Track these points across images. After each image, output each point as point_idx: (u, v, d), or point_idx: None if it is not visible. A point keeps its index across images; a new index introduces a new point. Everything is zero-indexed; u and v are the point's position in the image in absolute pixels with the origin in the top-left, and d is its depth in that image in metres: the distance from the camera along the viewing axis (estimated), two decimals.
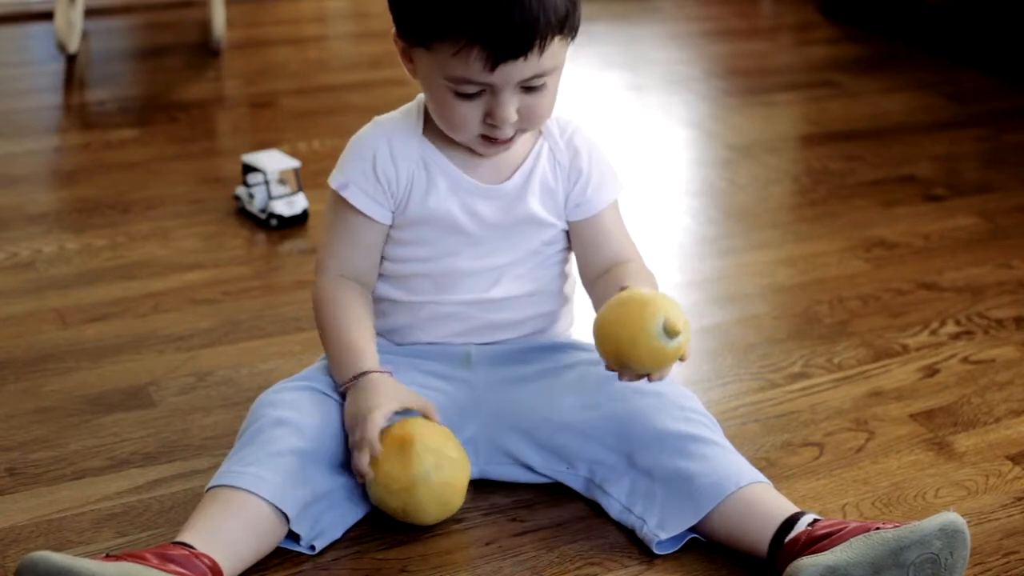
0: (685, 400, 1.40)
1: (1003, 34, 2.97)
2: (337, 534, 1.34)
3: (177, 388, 1.64)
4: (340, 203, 1.40)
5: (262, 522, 1.27)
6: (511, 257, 1.42)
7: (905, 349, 1.76)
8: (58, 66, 2.96)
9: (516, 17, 1.22)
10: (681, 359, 1.26)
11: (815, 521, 1.27)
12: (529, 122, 1.32)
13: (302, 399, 1.35)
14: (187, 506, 1.40)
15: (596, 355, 1.31)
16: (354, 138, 1.42)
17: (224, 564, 1.22)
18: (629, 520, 1.36)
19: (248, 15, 3.40)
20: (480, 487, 1.42)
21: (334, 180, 1.41)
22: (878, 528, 1.22)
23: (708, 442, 1.35)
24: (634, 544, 1.35)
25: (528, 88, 1.29)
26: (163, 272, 1.96)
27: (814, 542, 1.24)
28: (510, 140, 1.34)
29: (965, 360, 1.73)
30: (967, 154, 2.54)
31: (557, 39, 1.26)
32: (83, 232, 2.09)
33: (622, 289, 1.29)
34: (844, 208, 2.24)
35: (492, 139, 1.33)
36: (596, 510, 1.40)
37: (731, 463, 1.34)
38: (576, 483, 1.41)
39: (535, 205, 1.40)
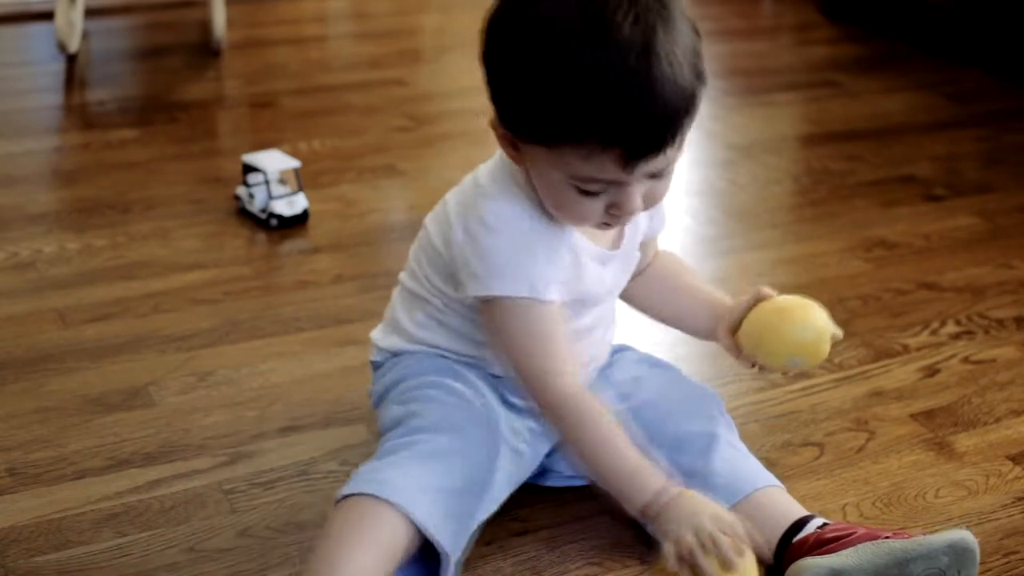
0: (710, 401, 1.41)
1: (1003, 34, 2.97)
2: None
3: (177, 388, 1.64)
4: (530, 306, 1.25)
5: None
6: (613, 301, 1.41)
7: (905, 349, 1.76)
8: (58, 66, 2.96)
9: (654, 114, 1.11)
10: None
11: (824, 524, 1.27)
12: (650, 206, 1.23)
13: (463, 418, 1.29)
14: (187, 506, 1.40)
15: (628, 354, 1.37)
16: (493, 249, 1.24)
17: None
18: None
19: (248, 15, 3.40)
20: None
21: (512, 290, 1.24)
22: (887, 537, 1.22)
23: (726, 444, 1.36)
24: (634, 544, 1.35)
25: (655, 175, 1.19)
26: (163, 272, 1.96)
27: (822, 544, 1.24)
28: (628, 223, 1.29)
29: (965, 360, 1.73)
30: (967, 154, 2.54)
31: (691, 121, 1.17)
32: (83, 232, 2.09)
33: (762, 297, 1.34)
34: (844, 208, 2.24)
35: (609, 225, 1.25)
36: (596, 510, 1.40)
37: (749, 466, 1.35)
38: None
39: (637, 252, 1.39)
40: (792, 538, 1.27)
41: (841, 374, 1.70)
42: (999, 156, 2.53)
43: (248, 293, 1.90)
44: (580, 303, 1.32)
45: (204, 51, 3.08)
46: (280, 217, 2.10)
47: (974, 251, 2.08)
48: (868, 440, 1.55)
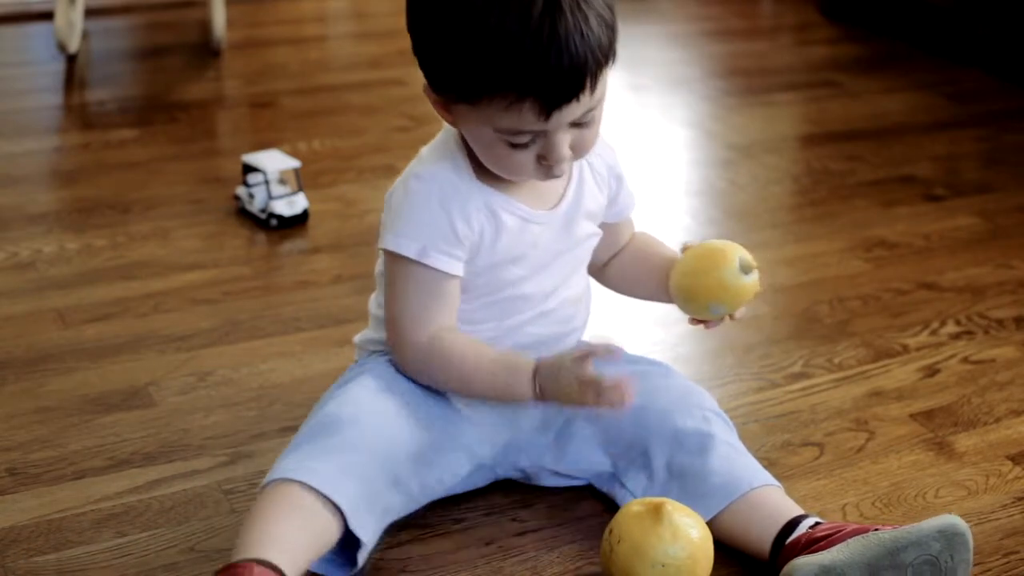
0: (703, 400, 1.42)
1: (1003, 34, 2.97)
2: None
3: (177, 388, 1.64)
4: (416, 268, 1.30)
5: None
6: (566, 272, 1.41)
7: (905, 349, 1.76)
8: (58, 66, 2.96)
9: (564, 62, 1.17)
10: (756, 294, 1.33)
11: (816, 524, 1.28)
12: (580, 153, 1.29)
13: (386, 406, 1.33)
14: (187, 506, 1.40)
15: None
16: (409, 198, 1.31)
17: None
18: None
19: (248, 15, 3.40)
20: (480, 487, 1.42)
21: (402, 247, 1.30)
22: (876, 530, 1.23)
23: (723, 442, 1.37)
24: None
25: (579, 124, 1.25)
26: (163, 272, 1.96)
27: (813, 543, 1.24)
28: (563, 171, 1.30)
29: (965, 360, 1.73)
30: (967, 154, 2.54)
31: (602, 72, 1.23)
32: (83, 232, 2.09)
33: (685, 248, 1.36)
34: (844, 208, 2.24)
35: (544, 173, 1.29)
36: (596, 510, 1.40)
37: (746, 465, 1.36)
38: (597, 478, 1.42)
39: (585, 223, 1.40)
40: (786, 539, 1.28)
41: (841, 374, 1.70)
42: (999, 156, 2.53)
43: (248, 293, 1.90)
44: (511, 263, 1.34)
45: (204, 51, 3.08)
46: (280, 217, 2.10)
47: (974, 251, 2.08)
48: (868, 440, 1.55)
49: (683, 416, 1.38)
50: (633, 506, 1.26)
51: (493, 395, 1.33)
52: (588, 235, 1.41)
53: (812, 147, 2.57)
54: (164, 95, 2.78)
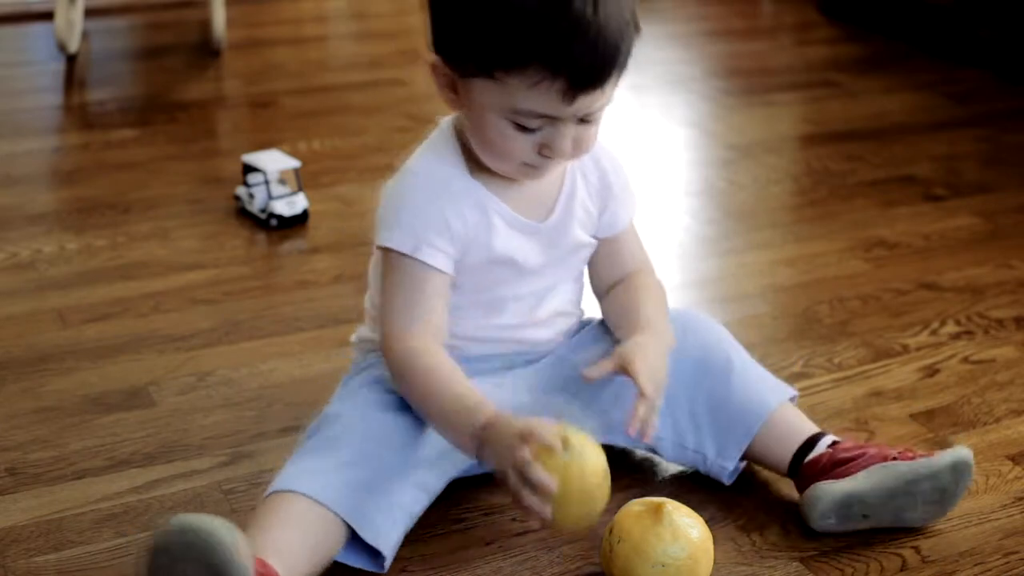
0: (714, 329, 1.48)
1: (1003, 34, 2.97)
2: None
3: (177, 388, 1.64)
4: (409, 264, 1.30)
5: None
6: (555, 280, 1.41)
7: (905, 349, 1.76)
8: (58, 66, 2.96)
9: (600, 48, 1.17)
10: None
11: (835, 443, 1.36)
12: (579, 153, 1.27)
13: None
14: (187, 506, 1.40)
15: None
16: (403, 194, 1.32)
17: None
18: (687, 457, 1.43)
19: (248, 15, 3.40)
20: (480, 487, 1.42)
21: (396, 242, 1.29)
22: (895, 458, 1.32)
23: (740, 364, 1.43)
24: None
25: (583, 119, 1.24)
26: (163, 272, 1.96)
27: (836, 465, 1.33)
28: (551, 169, 1.31)
29: (965, 360, 1.73)
30: (967, 154, 2.54)
31: (627, 65, 1.23)
32: (83, 232, 2.09)
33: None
34: (844, 208, 2.24)
35: (534, 167, 1.28)
36: None
37: (761, 385, 1.43)
38: (622, 437, 1.39)
39: (578, 232, 1.39)
40: (804, 456, 1.36)
41: (841, 374, 1.70)
42: (999, 156, 2.53)
43: (248, 293, 1.90)
44: (489, 266, 1.34)
45: (204, 51, 3.08)
46: (280, 217, 2.10)
47: (974, 251, 2.08)
48: (868, 440, 1.54)
49: (703, 338, 1.44)
50: (633, 506, 1.26)
51: (440, 427, 1.28)
52: (580, 245, 1.40)
53: (812, 147, 2.57)
54: (164, 95, 2.78)
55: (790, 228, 2.18)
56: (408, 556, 1.32)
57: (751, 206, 2.27)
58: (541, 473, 1.13)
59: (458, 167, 1.32)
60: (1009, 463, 1.50)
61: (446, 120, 1.35)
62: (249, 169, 2.15)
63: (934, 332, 1.81)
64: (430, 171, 1.32)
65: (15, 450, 1.50)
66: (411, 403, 1.31)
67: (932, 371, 1.71)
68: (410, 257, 1.29)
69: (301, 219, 2.13)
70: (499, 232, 1.33)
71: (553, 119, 1.22)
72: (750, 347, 1.74)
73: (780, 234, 2.14)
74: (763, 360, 1.71)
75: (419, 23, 3.45)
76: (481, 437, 1.20)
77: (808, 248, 2.08)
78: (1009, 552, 1.35)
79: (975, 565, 1.32)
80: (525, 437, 1.15)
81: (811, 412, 1.60)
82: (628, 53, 1.22)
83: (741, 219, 2.21)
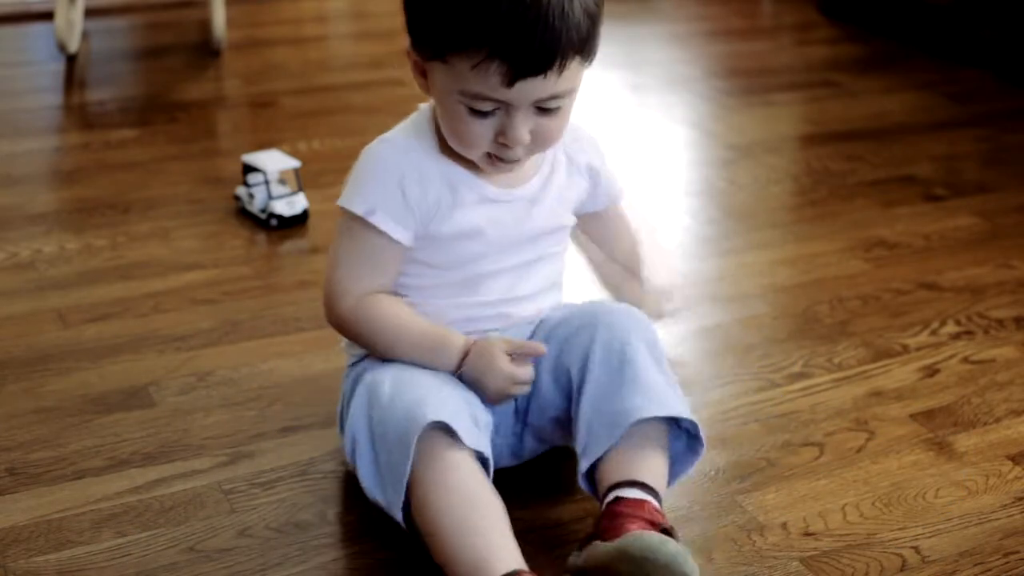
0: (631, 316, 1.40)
1: (1003, 34, 2.97)
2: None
3: (177, 388, 1.64)
4: (362, 228, 1.34)
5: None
6: (533, 256, 1.42)
7: (905, 349, 1.76)
8: (58, 66, 2.96)
9: (539, 33, 1.20)
10: None
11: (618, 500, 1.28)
12: (540, 144, 1.30)
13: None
14: (187, 506, 1.40)
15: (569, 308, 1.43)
16: (369, 160, 1.36)
17: None
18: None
19: (248, 15, 3.40)
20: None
21: (354, 205, 1.34)
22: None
23: (644, 362, 1.35)
24: None
25: (543, 109, 1.27)
26: (163, 272, 1.96)
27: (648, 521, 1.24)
28: (516, 161, 1.32)
29: (965, 360, 1.73)
30: (967, 154, 2.54)
31: (576, 60, 1.25)
32: (83, 232, 2.09)
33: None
34: (844, 208, 2.24)
35: (499, 159, 1.31)
36: (596, 510, 1.40)
37: (667, 394, 1.34)
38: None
39: (554, 205, 1.40)
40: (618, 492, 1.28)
41: (841, 374, 1.70)
42: (999, 156, 2.53)
43: (248, 293, 1.90)
44: (457, 239, 1.35)
45: (204, 51, 3.08)
46: (280, 217, 2.10)
47: (974, 251, 2.08)
48: (868, 440, 1.55)
49: (605, 331, 1.37)
50: None
51: (417, 359, 1.35)
52: (556, 225, 1.41)
53: (812, 147, 2.57)
54: (164, 95, 2.78)
55: (790, 228, 2.18)
56: (408, 556, 1.32)
57: (751, 206, 2.27)
58: (528, 370, 1.34)
59: (428, 143, 1.36)
60: (1009, 463, 1.50)
61: (426, 105, 1.39)
62: (249, 169, 2.15)
63: (934, 332, 1.81)
64: (397, 142, 1.36)
65: (15, 450, 1.50)
66: (376, 351, 1.37)
67: (932, 371, 1.71)
68: (363, 220, 1.33)
69: (301, 219, 2.13)
70: (465, 202, 1.35)
71: (507, 105, 1.25)
72: (750, 347, 1.75)
73: (780, 234, 2.14)
74: (763, 360, 1.72)
75: None
76: (468, 360, 1.34)
77: (808, 248, 2.08)
78: (1009, 552, 1.35)
79: (975, 565, 1.32)
80: (515, 354, 1.34)
81: (811, 412, 1.60)
82: (578, 42, 1.23)
83: (741, 219, 2.21)
